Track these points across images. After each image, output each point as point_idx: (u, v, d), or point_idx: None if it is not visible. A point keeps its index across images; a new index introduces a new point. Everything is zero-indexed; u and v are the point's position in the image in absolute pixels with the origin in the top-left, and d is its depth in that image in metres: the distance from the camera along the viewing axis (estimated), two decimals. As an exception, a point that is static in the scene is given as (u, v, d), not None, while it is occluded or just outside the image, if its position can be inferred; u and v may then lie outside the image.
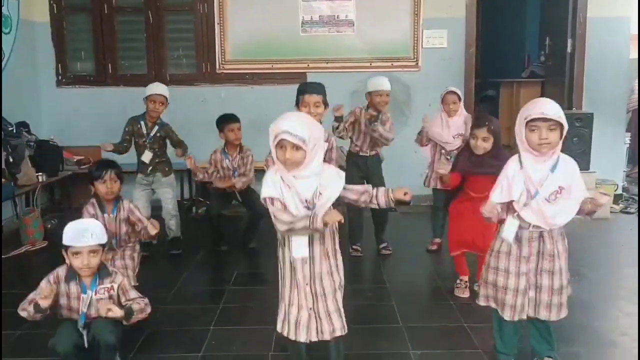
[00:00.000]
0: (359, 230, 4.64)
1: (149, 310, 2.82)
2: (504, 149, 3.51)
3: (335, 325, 2.46)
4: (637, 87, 7.20)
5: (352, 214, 4.49)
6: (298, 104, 3.44)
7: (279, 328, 2.50)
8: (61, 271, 2.74)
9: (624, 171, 6.65)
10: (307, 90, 3.43)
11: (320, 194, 2.34)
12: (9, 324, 3.29)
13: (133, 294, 2.81)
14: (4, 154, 4.83)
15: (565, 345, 2.83)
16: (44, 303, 2.55)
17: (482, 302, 2.76)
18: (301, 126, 2.27)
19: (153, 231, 3.49)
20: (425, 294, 3.94)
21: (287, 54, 6.19)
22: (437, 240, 4.66)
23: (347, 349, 2.79)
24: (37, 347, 3.06)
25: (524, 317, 2.63)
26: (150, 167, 4.68)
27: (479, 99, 7.67)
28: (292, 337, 2.45)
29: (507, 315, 2.63)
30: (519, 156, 2.57)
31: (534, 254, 2.59)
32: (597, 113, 5.96)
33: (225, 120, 4.70)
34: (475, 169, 3.50)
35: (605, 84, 6.22)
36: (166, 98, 4.67)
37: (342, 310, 2.49)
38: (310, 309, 2.43)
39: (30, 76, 6.07)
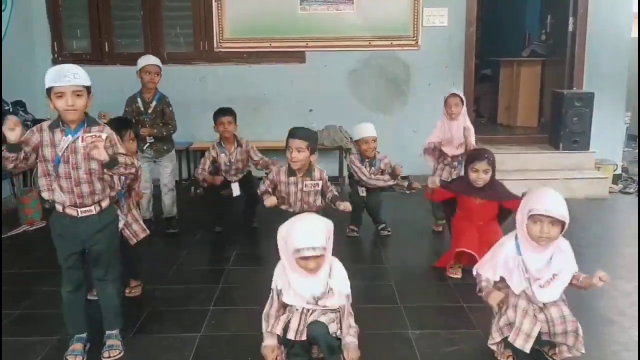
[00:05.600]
0: (359, 214, 4.62)
1: (134, 171, 2.69)
2: (497, 181, 3.74)
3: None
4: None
5: (353, 198, 4.49)
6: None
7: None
8: (46, 122, 2.57)
9: (624, 151, 6.63)
10: (291, 135, 3.62)
11: (331, 289, 2.42)
12: (9, 303, 3.30)
13: (122, 149, 2.66)
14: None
15: (564, 324, 2.83)
16: (11, 135, 2.35)
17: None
18: (320, 235, 2.35)
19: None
20: (423, 274, 3.94)
21: (285, 33, 6.13)
22: (442, 221, 4.63)
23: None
24: (38, 325, 3.07)
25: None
26: (147, 145, 4.58)
27: (477, 79, 7.61)
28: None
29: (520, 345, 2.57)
30: (516, 240, 2.60)
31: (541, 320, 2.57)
32: (597, 92, 5.95)
33: (217, 113, 4.63)
34: (471, 193, 3.68)
35: (606, 63, 6.19)
36: (160, 67, 4.59)
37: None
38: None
39: (26, 54, 6.01)
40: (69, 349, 2.72)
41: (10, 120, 2.37)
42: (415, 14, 6.09)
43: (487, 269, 2.65)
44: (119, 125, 3.29)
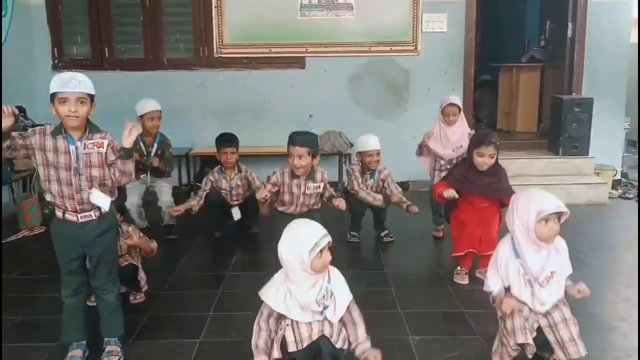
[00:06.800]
0: (359, 220, 4.62)
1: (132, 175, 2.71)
2: (501, 167, 3.66)
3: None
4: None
5: (354, 204, 4.48)
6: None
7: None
8: (48, 127, 2.58)
9: (623, 156, 6.63)
10: (292, 142, 3.67)
11: (332, 293, 2.34)
12: (9, 308, 3.29)
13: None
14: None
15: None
16: (4, 123, 2.39)
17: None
18: (322, 228, 2.31)
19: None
20: (424, 280, 3.94)
21: (285, 38, 6.14)
22: (441, 226, 4.62)
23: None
24: (37, 331, 3.07)
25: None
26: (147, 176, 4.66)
27: (477, 85, 7.62)
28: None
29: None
30: (513, 244, 2.54)
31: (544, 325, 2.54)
32: (596, 98, 5.96)
33: (219, 142, 4.59)
34: (473, 189, 3.62)
35: (606, 68, 6.21)
36: (161, 111, 4.62)
37: None
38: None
39: (26, 60, 6.02)
40: (68, 355, 2.72)
41: (7, 107, 2.42)
42: (415, 19, 6.10)
43: (494, 281, 2.58)
44: None
